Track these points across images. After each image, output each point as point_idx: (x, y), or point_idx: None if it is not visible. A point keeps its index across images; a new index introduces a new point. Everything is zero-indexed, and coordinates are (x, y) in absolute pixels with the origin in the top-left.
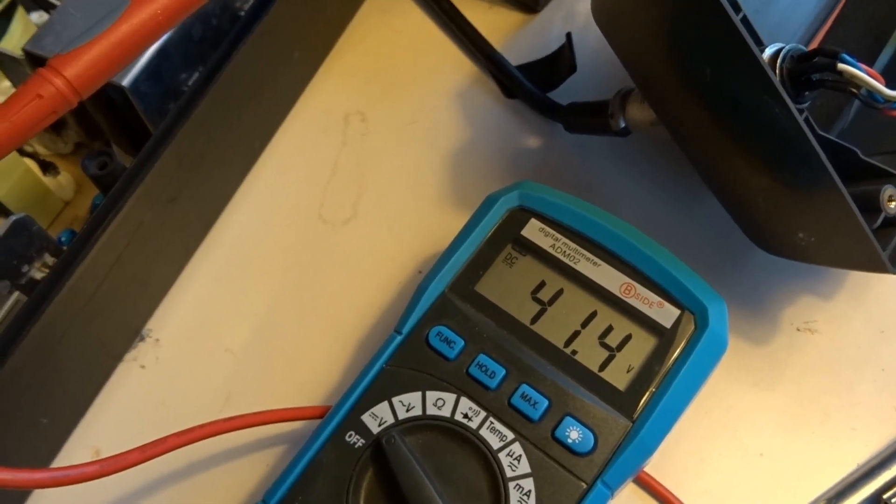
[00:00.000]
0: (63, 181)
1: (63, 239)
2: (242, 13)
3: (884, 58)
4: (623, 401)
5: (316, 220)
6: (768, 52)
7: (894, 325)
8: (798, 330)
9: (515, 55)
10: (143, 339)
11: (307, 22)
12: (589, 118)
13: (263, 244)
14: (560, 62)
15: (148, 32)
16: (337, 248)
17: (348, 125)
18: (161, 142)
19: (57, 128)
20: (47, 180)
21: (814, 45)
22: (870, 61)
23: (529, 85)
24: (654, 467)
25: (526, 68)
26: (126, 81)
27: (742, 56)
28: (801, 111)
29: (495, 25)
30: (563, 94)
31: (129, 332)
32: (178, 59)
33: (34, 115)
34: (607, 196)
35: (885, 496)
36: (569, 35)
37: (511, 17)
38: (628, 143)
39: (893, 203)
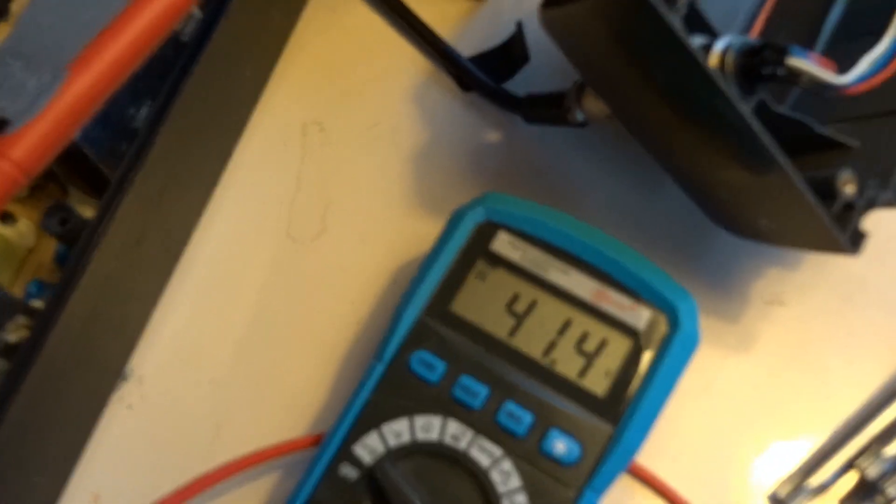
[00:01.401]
0: (23, 228)
1: (32, 291)
2: (186, 38)
3: (832, 18)
4: (604, 407)
5: (285, 239)
6: (718, 47)
7: (858, 290)
8: (767, 303)
9: (467, 45)
10: (126, 378)
11: (255, 36)
12: (546, 111)
13: (235, 269)
14: (512, 51)
15: (93, 99)
16: (309, 265)
17: (307, 136)
18: (119, 189)
19: None
20: (7, 231)
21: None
22: (818, 26)
23: (484, 78)
24: (640, 453)
25: (478, 59)
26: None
27: (686, 60)
28: (753, 101)
29: (444, 16)
30: (521, 83)
31: (111, 374)
32: (125, 96)
33: None
34: (571, 186)
35: (857, 463)
36: (519, 24)
37: (459, 6)
38: (590, 131)
39: (849, 187)
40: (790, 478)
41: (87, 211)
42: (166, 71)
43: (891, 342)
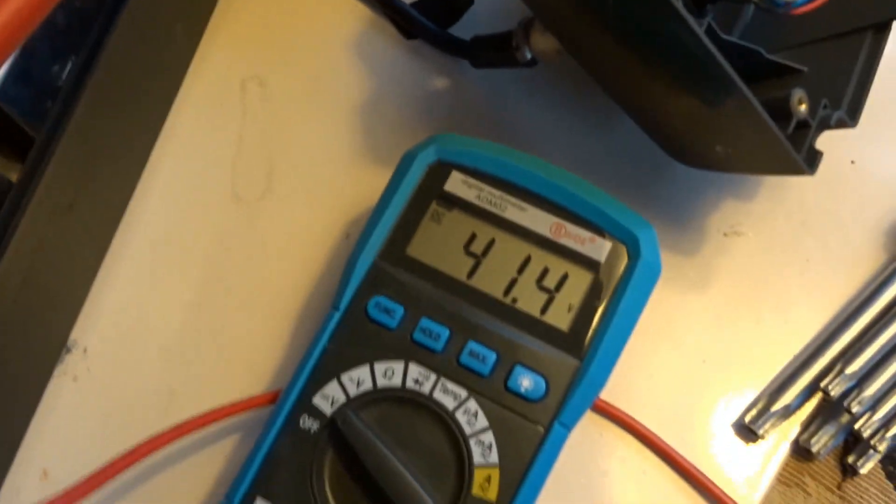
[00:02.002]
0: None
1: None
2: None
3: None
4: (569, 341)
5: (230, 200)
6: None
7: (814, 216)
8: (725, 235)
9: None
10: (69, 351)
11: None
12: (494, 52)
13: (179, 233)
14: None
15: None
16: (257, 224)
17: (246, 93)
18: (45, 149)
19: None
20: None
21: None
22: None
23: (427, 23)
24: (607, 390)
25: (421, 5)
26: None
27: None
28: (703, 24)
29: None
30: (465, 28)
31: (53, 347)
32: (46, 53)
33: None
34: (524, 129)
35: (822, 384)
36: None
37: None
38: (539, 71)
39: (803, 106)
40: (755, 403)
41: (13, 177)
42: (89, 26)
43: (848, 266)
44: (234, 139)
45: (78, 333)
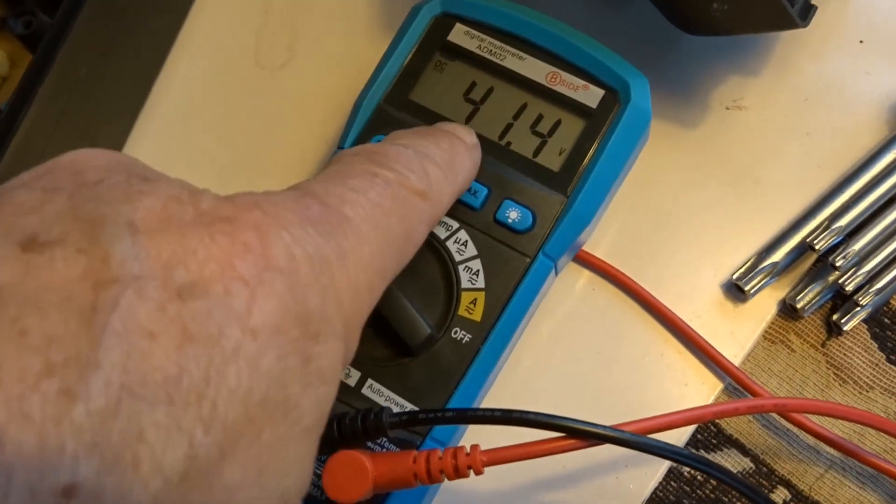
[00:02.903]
0: None
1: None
2: None
3: None
4: (557, 180)
5: (254, 68)
6: None
7: (817, 91)
8: (727, 108)
9: None
10: None
11: None
12: None
13: (207, 97)
14: None
15: None
16: (279, 91)
17: None
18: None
19: None
20: None
21: None
22: None
23: None
24: (603, 252)
25: None
26: None
27: None
28: None
29: None
30: None
31: None
32: None
33: None
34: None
35: (808, 239)
36: None
37: None
38: None
39: None
40: (745, 263)
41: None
42: None
43: (849, 140)
44: (260, 9)
45: None
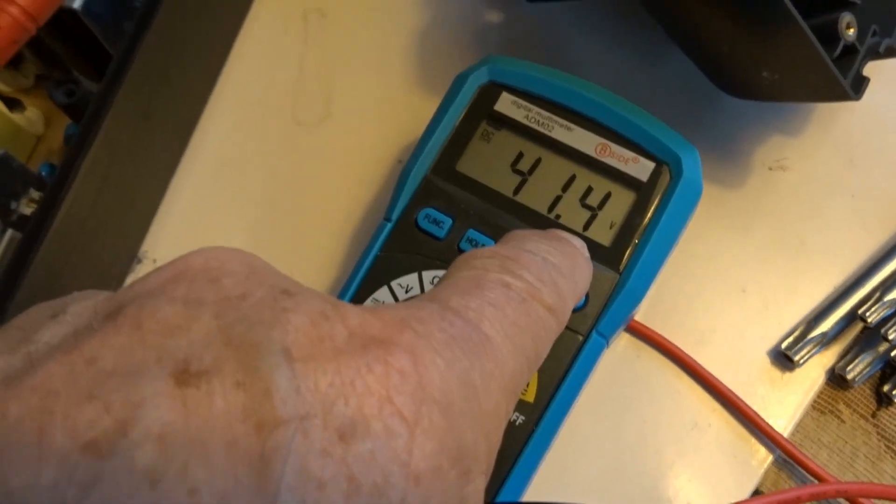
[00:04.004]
0: (31, 116)
1: (44, 173)
2: None
3: None
4: (609, 255)
5: (290, 123)
6: None
7: (861, 152)
8: (770, 169)
9: None
10: (140, 261)
11: None
12: None
13: (243, 152)
14: None
15: None
16: (316, 147)
17: (308, 23)
18: (123, 62)
19: (15, 63)
20: (16, 117)
21: None
22: None
23: None
24: (645, 315)
25: None
26: (77, 4)
27: None
28: None
29: None
30: None
31: (125, 257)
32: None
33: None
34: (574, 61)
35: (860, 311)
36: None
37: None
38: (590, 4)
39: (851, 30)
40: (792, 331)
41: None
42: None
43: (892, 200)
44: (295, 67)
45: (149, 245)
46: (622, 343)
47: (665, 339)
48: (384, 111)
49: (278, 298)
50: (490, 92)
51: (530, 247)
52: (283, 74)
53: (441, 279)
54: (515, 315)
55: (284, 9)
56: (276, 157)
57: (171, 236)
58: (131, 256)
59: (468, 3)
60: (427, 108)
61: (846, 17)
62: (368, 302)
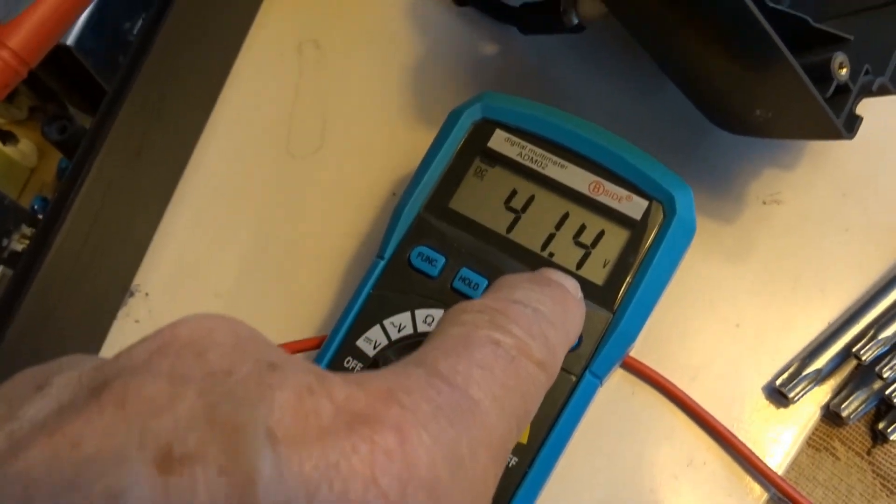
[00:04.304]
0: (25, 149)
1: (36, 207)
2: None
3: None
4: (602, 294)
5: (284, 155)
6: None
7: (855, 186)
8: (764, 203)
9: None
10: (132, 294)
11: None
12: (542, 18)
13: (236, 186)
14: None
15: None
16: (310, 179)
17: (302, 55)
18: (117, 98)
19: (9, 95)
20: (9, 150)
21: None
22: None
23: None
24: (638, 348)
25: None
26: (70, 40)
27: None
28: None
29: None
30: None
31: (118, 290)
32: (120, 9)
33: None
34: (569, 94)
35: (854, 349)
36: None
37: None
38: (585, 38)
39: (844, 70)
40: (787, 367)
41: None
42: None
43: (887, 235)
44: (290, 98)
45: (141, 278)
46: (616, 379)
47: (660, 374)
48: (379, 143)
49: (264, 374)
50: (484, 129)
51: (520, 296)
52: (278, 105)
53: (430, 335)
54: (504, 375)
55: (280, 40)
56: (269, 189)
57: (163, 269)
58: (124, 289)
59: (464, 37)
60: (422, 141)
61: (839, 57)
62: (361, 341)
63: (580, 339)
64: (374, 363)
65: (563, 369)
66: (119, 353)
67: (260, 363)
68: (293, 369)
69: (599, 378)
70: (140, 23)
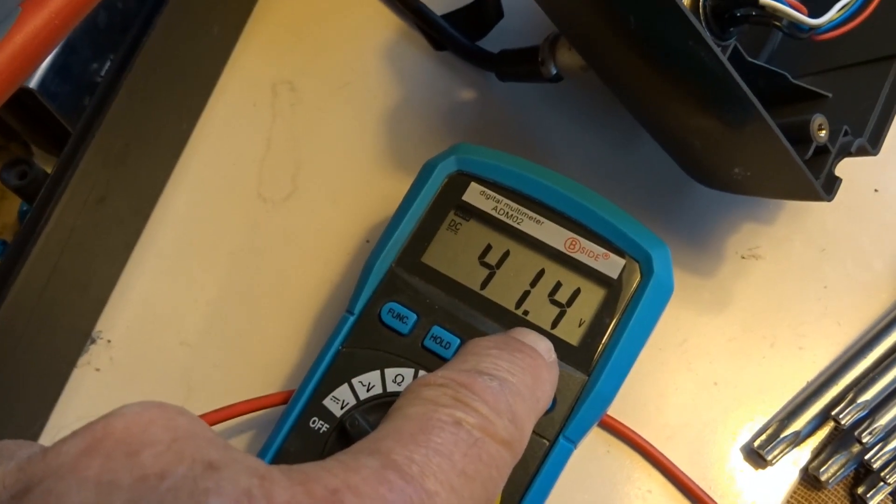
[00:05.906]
0: None
1: None
2: None
3: None
4: (577, 356)
5: (255, 200)
6: None
7: (833, 242)
8: (743, 258)
9: (440, 3)
10: (94, 341)
11: None
12: (520, 66)
13: (204, 230)
14: (486, 8)
15: (47, 39)
16: (280, 226)
17: (277, 96)
18: (80, 142)
19: None
20: None
21: None
22: None
23: (457, 35)
24: (615, 407)
25: (452, 17)
26: (34, 83)
27: (662, 2)
28: (727, 45)
29: None
30: (494, 41)
31: (78, 337)
32: (87, 51)
33: None
34: (546, 143)
35: (833, 413)
36: None
37: None
38: (563, 87)
39: (823, 132)
40: (765, 428)
41: (49, 168)
42: (129, 26)
43: (866, 294)
44: (262, 141)
45: (103, 324)
46: (591, 437)
47: (636, 434)
48: (352, 189)
49: (199, 478)
50: (458, 182)
51: (487, 366)
52: (250, 148)
53: (389, 413)
54: (465, 462)
55: (253, 81)
56: (238, 235)
57: (126, 315)
58: (85, 336)
59: (440, 83)
60: (396, 187)
61: (818, 119)
62: (328, 400)
63: (554, 401)
64: (340, 424)
65: (535, 433)
66: (48, 450)
67: (196, 464)
68: (232, 470)
69: (574, 443)
70: (108, 64)
